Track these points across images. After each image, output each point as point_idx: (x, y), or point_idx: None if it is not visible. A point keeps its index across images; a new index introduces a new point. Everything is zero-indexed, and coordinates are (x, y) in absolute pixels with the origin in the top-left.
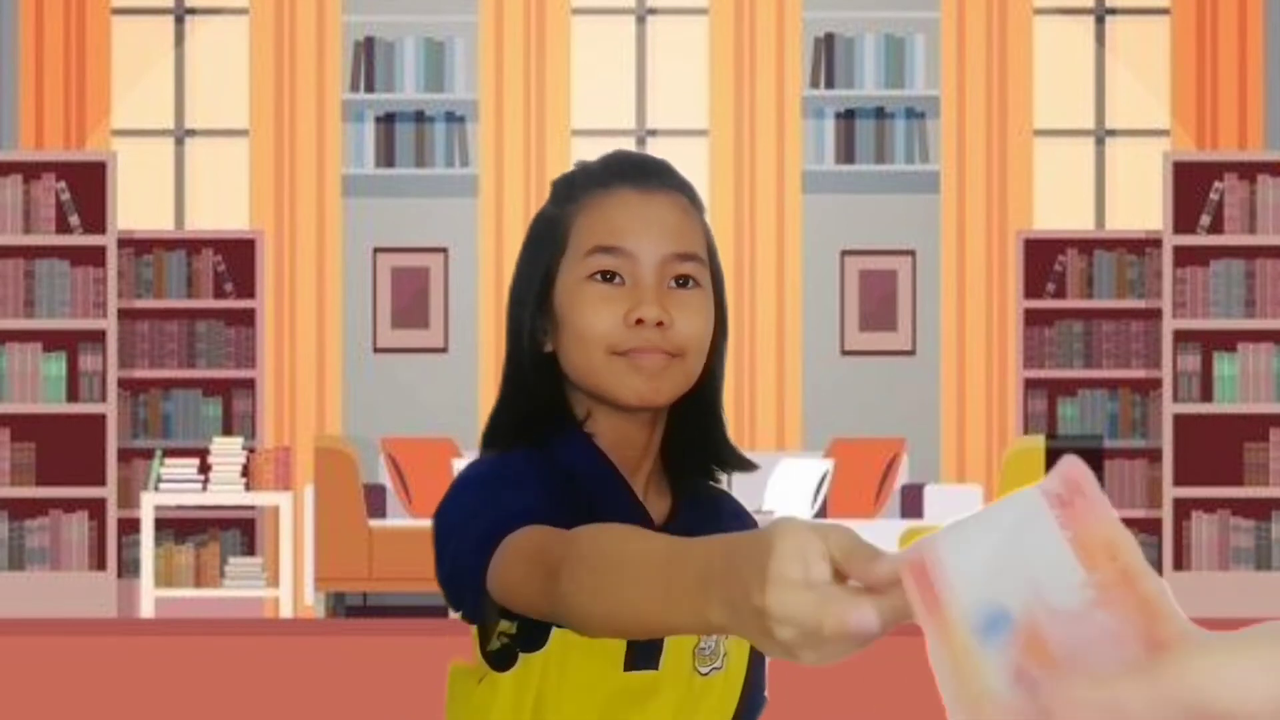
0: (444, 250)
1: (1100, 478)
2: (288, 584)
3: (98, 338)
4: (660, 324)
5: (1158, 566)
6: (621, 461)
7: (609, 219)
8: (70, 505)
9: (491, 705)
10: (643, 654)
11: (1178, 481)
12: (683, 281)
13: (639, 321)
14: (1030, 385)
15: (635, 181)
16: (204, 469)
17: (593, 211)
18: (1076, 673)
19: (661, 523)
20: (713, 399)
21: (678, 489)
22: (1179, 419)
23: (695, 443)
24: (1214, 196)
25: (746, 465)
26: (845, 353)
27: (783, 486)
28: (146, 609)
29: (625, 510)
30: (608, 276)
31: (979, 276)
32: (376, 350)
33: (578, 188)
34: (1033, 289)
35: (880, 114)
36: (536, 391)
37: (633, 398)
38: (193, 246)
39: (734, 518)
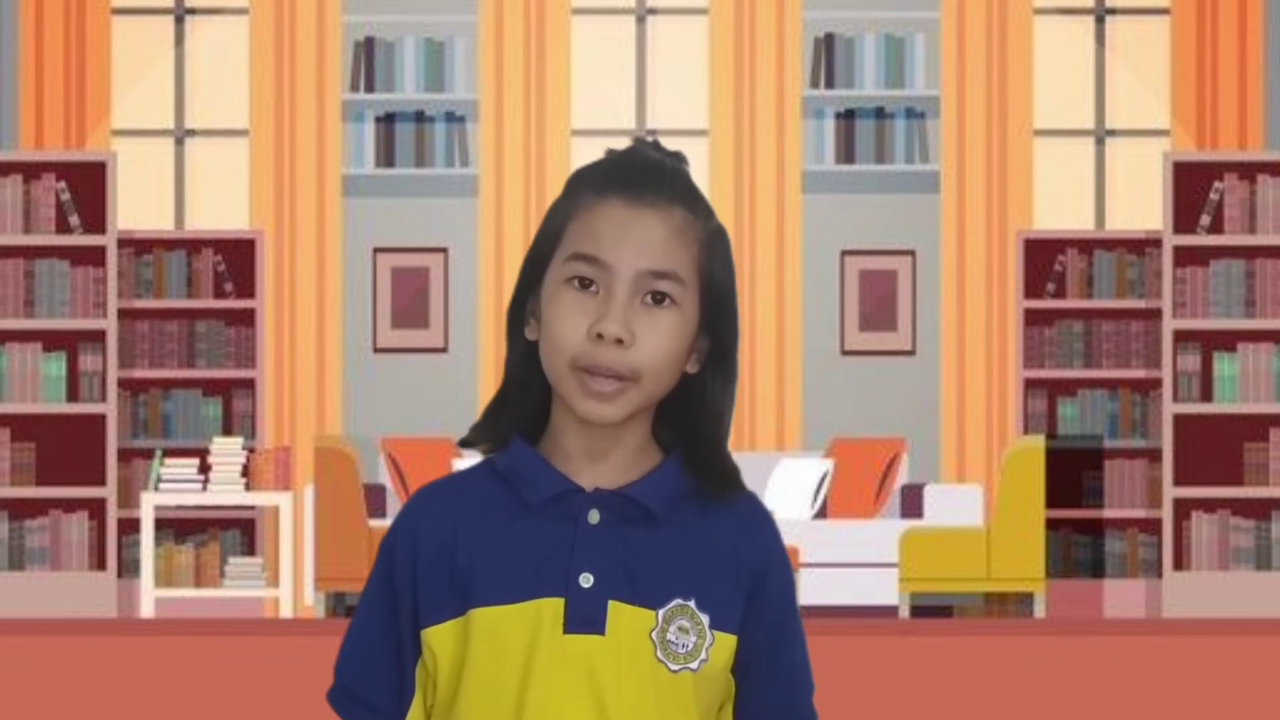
0: (444, 250)
1: (1100, 478)
2: (288, 584)
3: (98, 338)
4: (620, 341)
5: (1158, 566)
6: (585, 451)
7: (594, 228)
8: (70, 505)
9: None
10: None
11: (1178, 481)
12: (659, 299)
13: (600, 336)
14: (1030, 385)
15: (630, 192)
16: (204, 469)
17: (583, 217)
18: None
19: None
20: (703, 416)
21: (701, 482)
22: (1179, 419)
23: (690, 459)
24: (1214, 196)
25: (729, 487)
26: (845, 353)
27: (783, 487)
28: (146, 609)
29: (549, 483)
30: (584, 283)
31: (979, 276)
32: (376, 350)
33: (580, 188)
34: (1033, 289)
35: (880, 114)
36: (521, 383)
37: (584, 416)
38: (193, 246)
39: (743, 530)
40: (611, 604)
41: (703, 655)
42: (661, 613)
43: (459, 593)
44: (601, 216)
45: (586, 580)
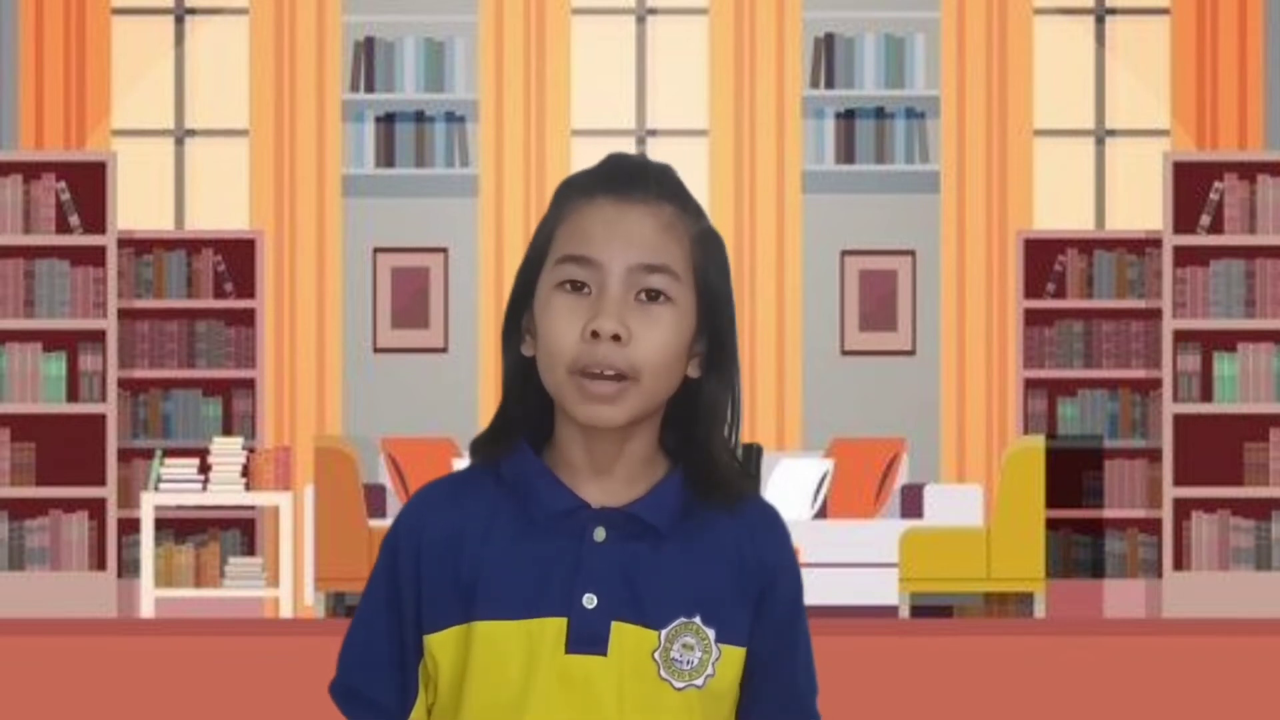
0: (444, 250)
1: (1100, 478)
2: (288, 584)
3: (98, 338)
4: (617, 338)
5: (1158, 566)
6: (589, 464)
7: (583, 229)
8: (70, 505)
9: None
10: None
11: (1178, 481)
12: (653, 296)
13: (595, 334)
14: (1030, 385)
15: (617, 191)
16: (204, 469)
17: (572, 220)
18: None
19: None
20: (702, 419)
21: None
22: (1179, 419)
23: (694, 470)
24: (1214, 196)
25: (726, 496)
26: (845, 353)
27: (783, 487)
28: (146, 609)
29: (555, 499)
30: (576, 286)
31: (979, 276)
32: (376, 350)
33: (567, 195)
34: (1033, 289)
35: (880, 114)
36: (519, 398)
37: (586, 421)
38: (193, 246)
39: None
40: (615, 625)
41: (709, 670)
42: (664, 633)
43: (462, 602)
44: (590, 216)
45: (590, 601)
